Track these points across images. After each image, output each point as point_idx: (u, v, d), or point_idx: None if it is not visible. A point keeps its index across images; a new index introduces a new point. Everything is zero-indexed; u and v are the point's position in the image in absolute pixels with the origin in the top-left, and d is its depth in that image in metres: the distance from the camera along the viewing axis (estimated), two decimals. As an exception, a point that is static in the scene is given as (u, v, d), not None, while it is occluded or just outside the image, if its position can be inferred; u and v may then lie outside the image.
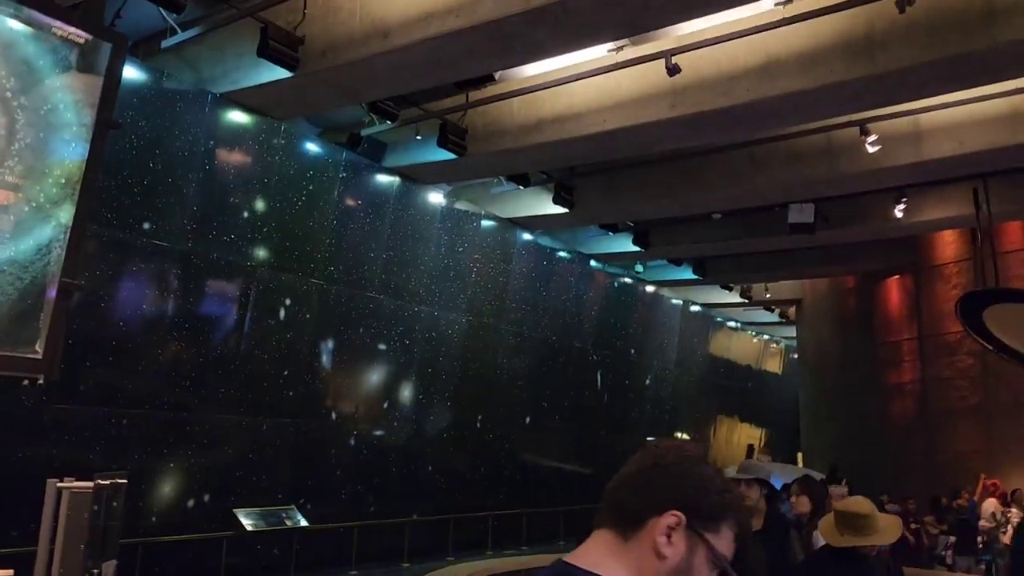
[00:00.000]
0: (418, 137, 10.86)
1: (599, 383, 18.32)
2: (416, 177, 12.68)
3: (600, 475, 18.46)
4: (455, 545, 13.20)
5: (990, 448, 14.83)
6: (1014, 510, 11.13)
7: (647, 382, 20.60)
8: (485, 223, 14.51)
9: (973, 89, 9.88)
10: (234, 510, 10.23)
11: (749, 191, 12.35)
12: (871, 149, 10.33)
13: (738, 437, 27.61)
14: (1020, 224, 14.33)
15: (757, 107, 9.18)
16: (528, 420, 16.04)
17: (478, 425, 14.74)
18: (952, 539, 12.07)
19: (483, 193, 14.30)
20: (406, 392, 13.14)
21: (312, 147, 11.35)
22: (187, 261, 9.80)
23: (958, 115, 10.49)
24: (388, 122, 10.45)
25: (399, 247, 12.70)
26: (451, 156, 11.16)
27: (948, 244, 16.08)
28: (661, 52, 8.85)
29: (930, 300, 16.25)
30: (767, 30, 8.65)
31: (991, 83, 8.88)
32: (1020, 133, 10.18)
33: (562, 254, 16.71)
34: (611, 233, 15.68)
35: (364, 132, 11.32)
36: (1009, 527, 10.78)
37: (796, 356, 32.17)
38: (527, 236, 15.50)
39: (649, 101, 9.66)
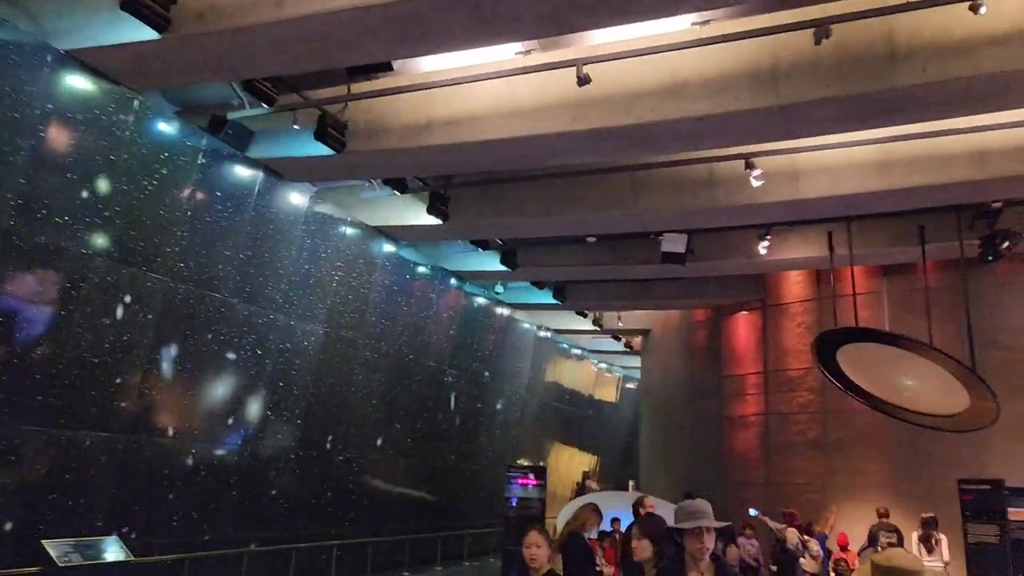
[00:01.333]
0: (296, 127, 9.82)
1: (452, 405, 17.67)
2: (281, 172, 11.58)
3: (446, 502, 17.87)
4: (297, 577, 12.03)
5: (824, 481, 15.55)
6: (811, 540, 11.49)
7: (499, 406, 20.19)
8: (350, 230, 13.54)
9: (849, 133, 10.37)
10: (43, 541, 8.63)
11: (629, 216, 12.23)
12: (755, 183, 10.47)
13: (576, 464, 27.84)
14: (863, 268, 15.14)
15: (660, 128, 9.01)
16: (380, 441, 15.09)
17: (328, 446, 13.63)
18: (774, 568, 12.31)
19: (351, 197, 13.36)
20: (253, 407, 11.88)
21: (169, 126, 10.00)
22: (7, 242, 8.22)
23: (833, 157, 10.89)
24: (264, 106, 9.37)
25: (258, 248, 11.50)
26: (325, 152, 10.21)
27: (795, 284, 16.86)
28: (571, 60, 8.47)
29: (776, 336, 16.95)
30: (676, 50, 8.51)
31: (887, 125, 9.18)
32: (890, 178, 10.71)
33: (423, 269, 15.99)
34: (480, 250, 15.17)
35: (231, 116, 10.15)
36: (808, 556, 11.12)
37: (632, 385, 33.21)
38: (392, 247, 14.66)
39: (550, 112, 9.25)
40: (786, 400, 16.52)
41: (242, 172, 11.15)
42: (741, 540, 11.06)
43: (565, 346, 25.40)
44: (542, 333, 22.77)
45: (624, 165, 11.68)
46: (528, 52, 8.93)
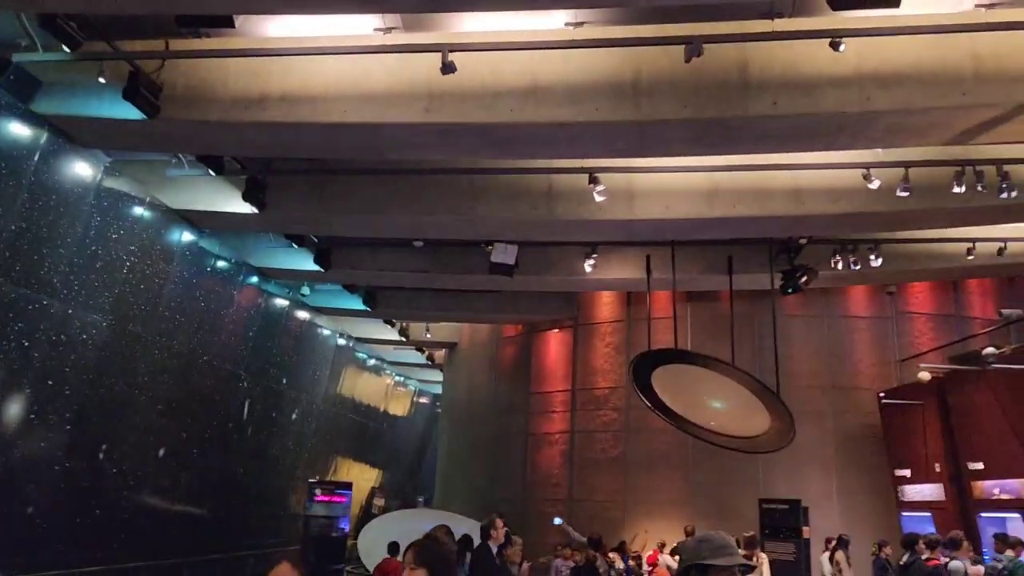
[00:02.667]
0: (101, 80, 8.36)
1: (245, 413, 16.18)
2: (73, 134, 9.89)
3: (232, 521, 16.28)
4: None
5: (625, 497, 15.94)
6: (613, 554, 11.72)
7: (294, 416, 18.85)
8: (148, 211, 11.93)
9: (682, 159, 10.68)
10: None
11: (463, 221, 11.77)
12: (599, 198, 10.42)
13: (365, 479, 26.79)
14: (666, 293, 15.72)
15: (518, 130, 8.65)
16: (162, 452, 13.39)
17: (101, 456, 11.83)
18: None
19: (151, 174, 11.77)
20: (14, 408, 9.99)
21: (-73, 59, 8.15)
22: None
23: (667, 181, 11.14)
24: (65, 49, 7.87)
25: (36, 219, 9.72)
26: (133, 115, 8.81)
27: (605, 304, 17.27)
28: (434, 45, 7.89)
29: (585, 355, 17.23)
30: (543, 49, 8.23)
31: (733, 153, 9.46)
32: (717, 207, 11.12)
33: (225, 263, 14.50)
34: (293, 246, 14.00)
35: (16, 57, 8.47)
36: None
37: (426, 400, 32.75)
38: (192, 235, 13.13)
39: (403, 100, 8.59)
40: (591, 418, 16.80)
41: (21, 129, 9.36)
42: (559, 561, 10.88)
43: (363, 356, 24.41)
44: (341, 341, 21.68)
45: (464, 168, 11.23)
46: (389, 31, 8.23)
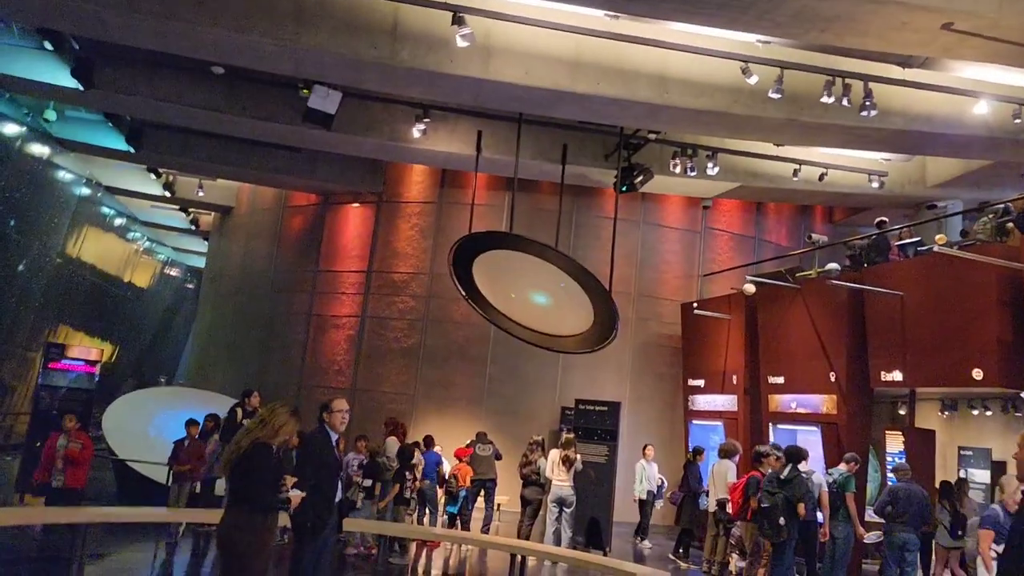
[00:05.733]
0: None
1: (-42, 256, 12.90)
2: None
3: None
4: None
5: (414, 391, 14.93)
6: None
7: (20, 267, 15.51)
8: None
9: (547, 14, 9.47)
10: None
11: (283, 50, 9.60)
12: (462, 43, 8.88)
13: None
14: (487, 177, 14.56)
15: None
16: None
17: None
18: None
19: None
20: None
21: None
22: None
23: (529, 41, 9.83)
24: None
25: None
26: None
27: (416, 182, 15.77)
28: None
29: (386, 236, 15.70)
30: None
31: None
32: (579, 81, 10.02)
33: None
34: (47, 47, 10.90)
35: None
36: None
37: (176, 272, 29.31)
38: None
39: None
40: (386, 304, 15.45)
41: None
42: (351, 455, 9.59)
43: (110, 211, 20.86)
44: (86, 190, 18.18)
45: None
46: None
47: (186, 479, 9.60)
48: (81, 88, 11.63)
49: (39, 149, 14.77)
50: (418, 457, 10.51)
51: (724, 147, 12.77)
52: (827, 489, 8.28)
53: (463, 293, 11.11)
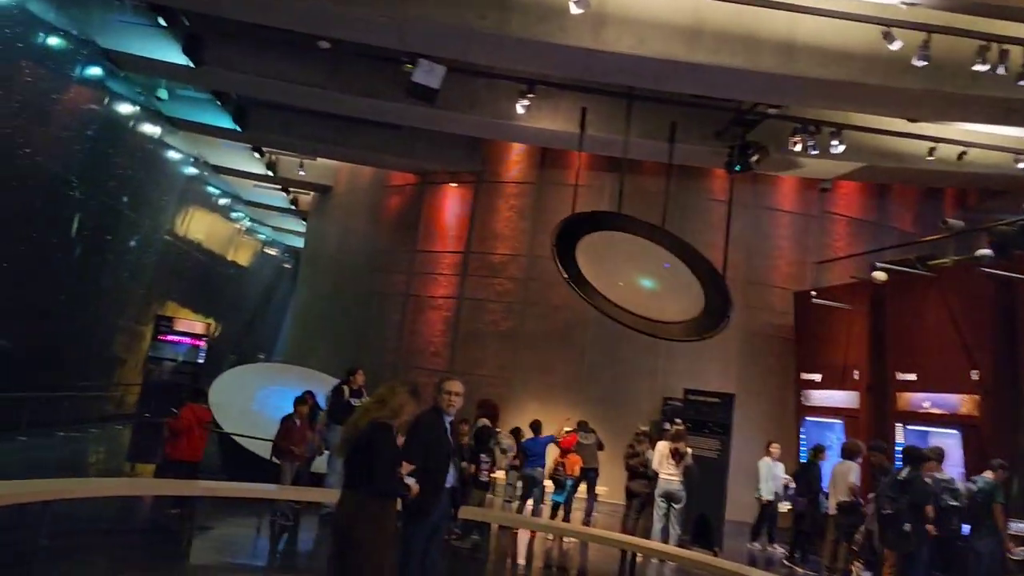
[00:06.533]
0: None
1: (74, 229, 13.20)
2: None
3: (47, 355, 13.49)
4: None
5: (511, 376, 14.60)
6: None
7: (132, 243, 15.92)
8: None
9: None
10: None
11: (390, 25, 9.35)
12: (575, 10, 8.38)
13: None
14: (589, 157, 13.99)
15: None
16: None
17: None
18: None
19: None
20: None
21: None
22: None
23: (644, 9, 9.25)
24: None
25: None
26: None
27: (515, 162, 15.39)
28: None
29: (484, 217, 15.39)
30: None
31: None
32: (697, 51, 9.37)
33: (59, 40, 11.20)
34: (160, 22, 10.97)
35: None
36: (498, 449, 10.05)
37: (274, 252, 29.84)
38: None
39: None
40: (484, 286, 15.16)
41: None
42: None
43: (215, 190, 21.27)
44: (194, 170, 18.54)
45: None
46: None
47: (297, 458, 9.27)
48: (191, 65, 11.73)
49: (151, 128, 15.06)
50: (508, 442, 10.23)
51: (849, 123, 11.84)
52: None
53: (565, 275, 10.66)
